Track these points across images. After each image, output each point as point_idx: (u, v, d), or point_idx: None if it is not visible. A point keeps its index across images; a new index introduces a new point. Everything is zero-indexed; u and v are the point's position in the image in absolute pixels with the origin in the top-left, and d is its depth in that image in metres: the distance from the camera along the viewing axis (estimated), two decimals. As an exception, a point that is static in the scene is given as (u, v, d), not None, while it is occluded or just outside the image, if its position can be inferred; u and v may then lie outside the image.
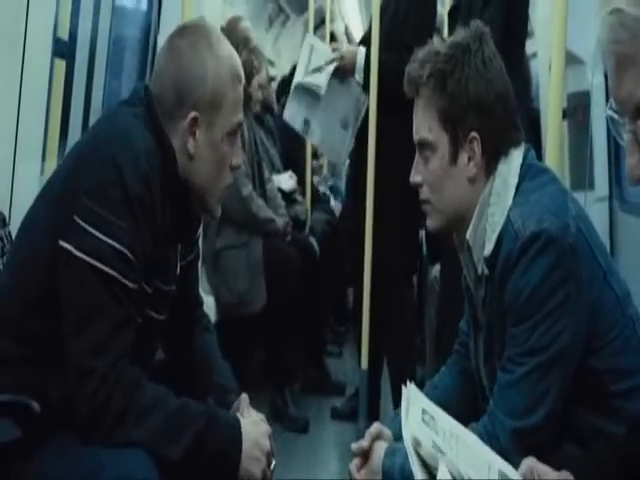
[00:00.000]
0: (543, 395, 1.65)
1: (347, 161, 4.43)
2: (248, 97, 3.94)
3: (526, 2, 3.35)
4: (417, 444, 1.25)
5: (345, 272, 4.42)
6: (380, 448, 1.81)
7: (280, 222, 4.05)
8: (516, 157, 1.78)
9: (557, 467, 1.32)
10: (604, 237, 3.25)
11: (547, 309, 1.63)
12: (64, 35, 2.84)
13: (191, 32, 1.81)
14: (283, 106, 4.25)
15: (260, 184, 4.12)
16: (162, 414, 1.62)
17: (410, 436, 1.27)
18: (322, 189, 5.81)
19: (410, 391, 1.40)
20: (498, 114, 1.77)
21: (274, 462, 1.82)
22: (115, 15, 3.56)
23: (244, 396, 1.89)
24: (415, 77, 1.80)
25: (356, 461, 1.84)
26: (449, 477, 1.18)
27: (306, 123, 4.01)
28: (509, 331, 1.69)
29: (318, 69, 3.89)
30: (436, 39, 1.85)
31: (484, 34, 1.81)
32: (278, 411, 3.87)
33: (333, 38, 5.82)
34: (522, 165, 1.77)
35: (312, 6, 5.44)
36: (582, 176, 3.47)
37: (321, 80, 3.86)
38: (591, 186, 3.54)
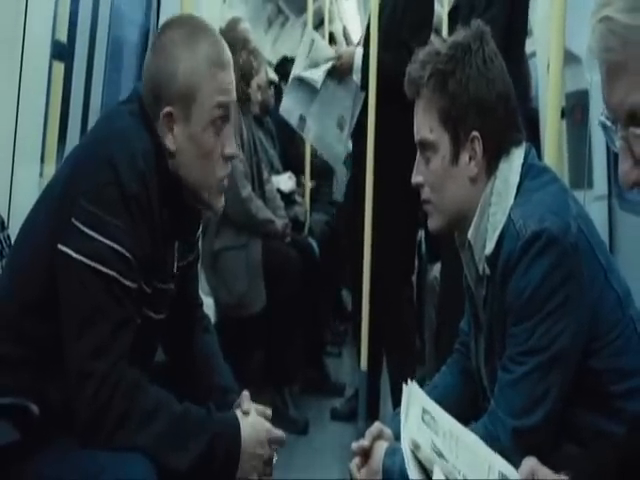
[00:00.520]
0: (543, 395, 1.65)
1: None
2: (247, 98, 3.94)
3: (527, 2, 3.36)
4: (416, 447, 1.25)
5: (344, 273, 4.42)
6: (381, 447, 1.80)
7: (279, 223, 4.04)
8: (517, 156, 1.78)
9: (557, 467, 1.32)
10: (603, 235, 3.24)
11: (548, 309, 1.63)
12: (62, 38, 2.84)
13: (171, 27, 1.79)
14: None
15: (259, 185, 4.12)
16: (165, 420, 1.61)
17: (409, 439, 1.27)
18: None
19: (411, 390, 1.39)
20: (499, 113, 1.77)
21: (276, 458, 1.81)
22: (113, 17, 3.56)
23: (245, 392, 1.89)
24: (416, 78, 1.79)
25: (356, 460, 1.83)
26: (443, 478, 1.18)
27: (302, 119, 4.01)
28: (510, 331, 1.69)
29: (316, 64, 3.90)
30: (436, 39, 1.86)
31: (485, 33, 1.81)
32: (278, 412, 3.86)
33: (332, 39, 5.84)
34: (523, 164, 1.77)
35: (311, 7, 5.44)
36: (581, 175, 3.48)
37: (318, 75, 3.87)
38: (590, 185, 3.54)
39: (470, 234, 1.78)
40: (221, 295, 3.86)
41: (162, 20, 3.77)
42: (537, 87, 4.32)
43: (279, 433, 1.84)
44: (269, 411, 1.88)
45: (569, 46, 2.60)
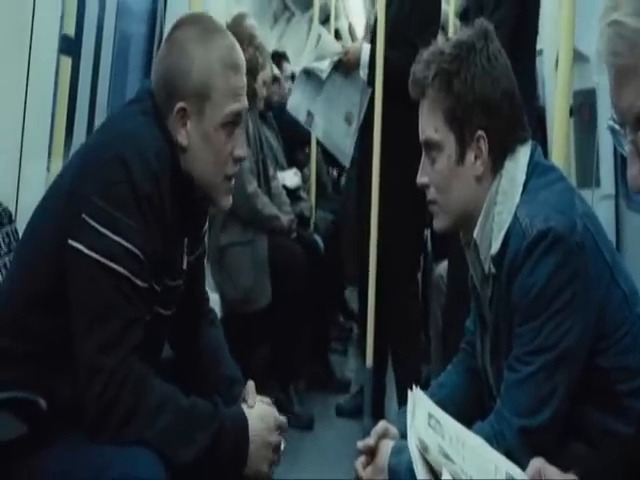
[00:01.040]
0: (550, 394, 1.65)
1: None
2: (253, 94, 3.94)
3: (539, 2, 3.35)
4: (424, 449, 1.25)
5: (348, 270, 4.42)
6: (386, 446, 1.80)
7: (285, 219, 4.04)
8: (523, 155, 1.78)
9: (565, 466, 1.32)
10: (610, 235, 3.24)
11: (554, 308, 1.63)
12: (70, 32, 2.84)
13: (186, 24, 1.80)
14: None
15: (265, 181, 4.12)
16: (171, 414, 1.62)
17: (416, 440, 1.27)
18: None
19: (416, 395, 1.40)
20: (504, 112, 1.77)
21: (283, 444, 1.82)
22: (121, 12, 3.55)
23: (250, 383, 1.89)
24: (420, 78, 1.79)
25: (362, 459, 1.84)
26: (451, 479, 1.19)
27: (309, 115, 4.02)
28: (516, 330, 1.69)
29: (322, 59, 3.91)
30: (440, 38, 1.85)
31: (488, 32, 1.80)
32: (283, 408, 3.86)
33: (337, 35, 5.84)
34: (529, 163, 1.77)
35: (317, 3, 5.44)
36: (588, 174, 3.47)
37: (324, 65, 3.87)
38: (597, 184, 3.54)
39: (476, 233, 1.77)
40: (227, 290, 3.86)
41: (169, 15, 3.78)
42: (544, 85, 4.31)
43: (283, 418, 1.85)
44: (269, 399, 1.88)
45: (577, 45, 2.59)
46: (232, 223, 3.88)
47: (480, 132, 1.75)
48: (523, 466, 1.29)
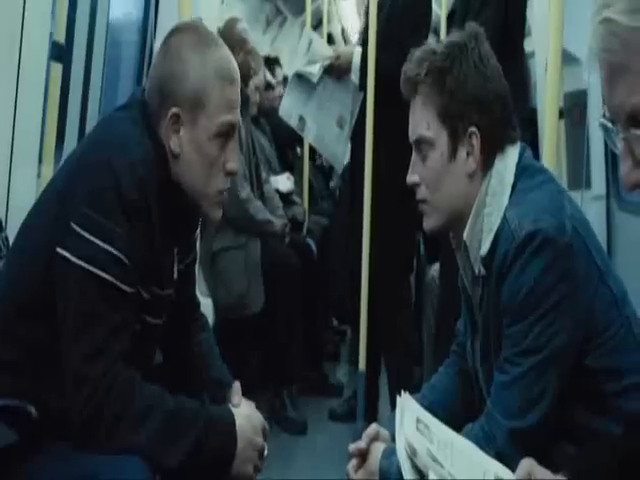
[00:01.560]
0: (539, 395, 1.65)
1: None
2: (245, 99, 3.94)
3: (524, 2, 3.36)
4: (413, 453, 1.25)
5: (342, 273, 4.42)
6: (377, 449, 1.81)
7: (278, 224, 4.04)
8: (512, 155, 1.78)
9: (554, 467, 1.32)
10: (601, 236, 3.25)
11: (543, 309, 1.63)
12: (60, 39, 2.84)
13: (183, 31, 1.80)
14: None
15: (258, 185, 4.12)
16: (158, 417, 1.61)
17: (405, 445, 1.28)
18: None
19: (404, 400, 1.41)
20: (496, 110, 1.77)
21: (266, 451, 1.81)
22: (111, 18, 3.56)
23: (236, 384, 1.89)
24: (412, 76, 1.80)
25: (354, 462, 1.84)
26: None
27: (301, 120, 4.02)
28: (505, 331, 1.69)
29: (314, 63, 3.91)
30: (431, 40, 1.86)
31: (479, 34, 1.82)
32: (276, 413, 3.87)
33: (330, 39, 5.84)
34: (518, 164, 1.77)
35: (309, 7, 5.44)
36: (579, 175, 3.48)
37: (314, 69, 3.88)
38: (588, 185, 3.54)
39: (465, 235, 1.78)
40: (220, 295, 3.86)
41: (160, 21, 3.79)
42: (535, 87, 4.32)
43: (265, 423, 1.84)
44: (252, 403, 1.87)
45: (567, 46, 2.60)
46: (225, 228, 3.87)
47: (473, 128, 1.76)
48: (513, 467, 1.29)
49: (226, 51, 1.80)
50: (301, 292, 4.00)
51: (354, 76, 3.83)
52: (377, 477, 1.77)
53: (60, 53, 2.85)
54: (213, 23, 3.96)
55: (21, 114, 2.46)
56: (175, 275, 1.86)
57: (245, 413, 1.78)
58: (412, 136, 1.83)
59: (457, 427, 1.56)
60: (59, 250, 1.61)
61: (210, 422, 1.68)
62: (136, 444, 1.58)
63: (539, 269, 1.63)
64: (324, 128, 4.04)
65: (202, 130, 1.74)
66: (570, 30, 2.49)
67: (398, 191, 2.66)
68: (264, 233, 3.97)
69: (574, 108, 3.88)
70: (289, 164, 5.24)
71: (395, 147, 3.01)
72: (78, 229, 1.60)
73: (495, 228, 1.72)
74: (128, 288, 1.63)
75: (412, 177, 1.84)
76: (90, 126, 3.11)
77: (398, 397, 1.41)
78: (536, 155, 1.90)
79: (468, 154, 1.77)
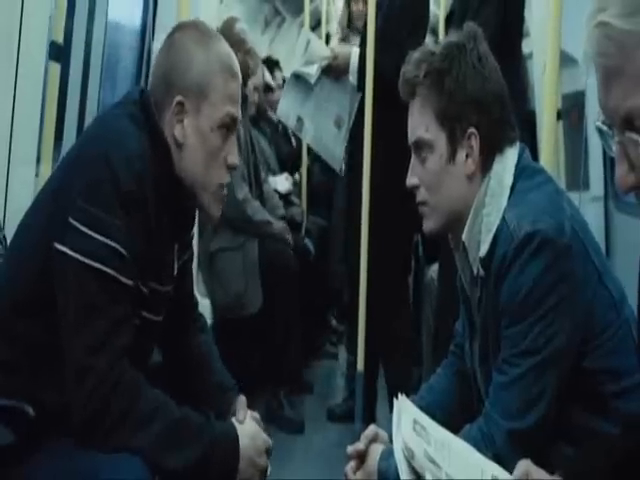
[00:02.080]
0: (538, 396, 1.65)
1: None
2: (244, 99, 3.94)
3: (522, 2, 3.36)
4: (411, 456, 1.26)
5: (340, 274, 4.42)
6: (376, 450, 1.81)
7: (277, 226, 4.04)
8: (511, 156, 1.78)
9: (552, 468, 1.33)
10: (599, 237, 3.25)
11: (542, 310, 1.63)
12: (59, 38, 2.84)
13: (186, 28, 1.84)
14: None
15: (257, 186, 4.12)
16: (163, 423, 1.61)
17: (402, 447, 1.28)
18: None
19: (401, 402, 1.41)
20: (495, 110, 1.77)
21: (270, 469, 1.81)
22: (110, 18, 3.55)
23: (241, 398, 1.89)
24: (411, 78, 1.79)
25: (352, 463, 1.84)
26: None
27: (299, 120, 4.01)
28: (504, 332, 1.69)
29: (311, 64, 3.91)
30: (430, 41, 1.86)
31: (477, 34, 1.81)
32: (273, 413, 3.86)
33: (329, 40, 5.84)
34: (517, 165, 1.77)
35: (308, 8, 5.44)
36: (577, 176, 3.48)
37: (312, 69, 3.88)
38: (586, 186, 3.55)
39: (464, 235, 1.78)
40: (218, 296, 3.85)
41: (159, 21, 3.79)
42: (533, 89, 4.33)
43: (270, 441, 1.84)
44: (257, 415, 1.87)
45: (566, 47, 2.60)
46: (223, 228, 3.87)
47: (471, 130, 1.76)
48: (511, 468, 1.29)
49: (228, 47, 1.83)
50: (299, 292, 4.00)
51: (352, 77, 3.83)
52: (376, 478, 1.77)
53: (58, 53, 2.85)
54: (212, 24, 3.95)
55: (19, 114, 2.47)
56: (175, 272, 1.86)
57: (250, 433, 1.78)
58: (411, 138, 1.82)
59: (455, 428, 1.56)
60: (57, 245, 1.61)
61: (214, 438, 1.68)
62: (137, 445, 1.58)
63: (538, 270, 1.63)
64: (322, 129, 4.03)
65: (206, 120, 1.76)
66: (568, 31, 2.50)
67: (396, 192, 2.66)
68: (263, 234, 3.97)
69: (572, 109, 3.89)
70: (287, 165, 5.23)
71: (393, 147, 3.01)
72: (76, 223, 1.60)
73: (494, 229, 1.72)
74: (127, 280, 1.63)
75: (411, 179, 1.84)
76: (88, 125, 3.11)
77: (395, 399, 1.41)
78: (534, 156, 1.89)
79: (467, 156, 1.77)
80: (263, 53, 5.83)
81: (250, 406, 1.89)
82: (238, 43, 3.91)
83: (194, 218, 1.97)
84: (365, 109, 3.55)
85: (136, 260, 1.64)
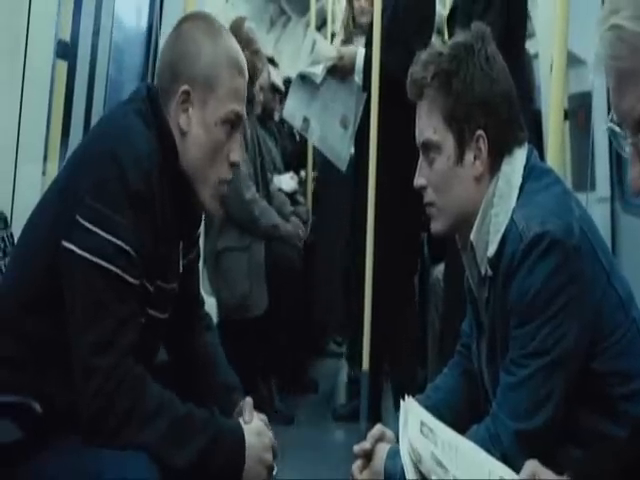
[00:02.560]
0: (546, 397, 1.64)
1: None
2: (251, 98, 3.94)
3: (525, 4, 3.36)
4: (418, 459, 1.26)
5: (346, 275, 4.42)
6: (382, 450, 1.80)
7: (286, 228, 4.04)
8: (520, 157, 1.78)
9: (560, 469, 1.32)
10: (606, 237, 3.24)
11: (550, 311, 1.63)
12: (66, 36, 2.84)
13: (194, 19, 1.84)
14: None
15: (264, 185, 4.12)
16: (168, 420, 1.61)
17: (409, 449, 1.28)
18: None
19: (408, 404, 1.41)
20: (503, 112, 1.77)
21: (276, 469, 1.81)
22: (116, 16, 3.56)
23: (248, 399, 1.88)
24: (419, 79, 1.79)
25: (358, 463, 1.83)
26: None
27: (305, 121, 4.02)
28: (512, 333, 1.69)
29: (317, 64, 3.91)
30: (437, 41, 1.85)
31: (485, 34, 1.81)
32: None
33: (334, 39, 5.83)
34: (525, 166, 1.77)
35: (314, 7, 5.45)
36: (584, 177, 3.47)
37: (318, 69, 3.88)
38: (592, 187, 3.54)
39: (472, 236, 1.77)
40: (223, 296, 3.86)
41: (165, 19, 3.79)
42: (540, 89, 4.32)
43: (274, 441, 1.83)
44: (264, 416, 1.87)
45: (572, 48, 2.60)
46: (229, 227, 3.87)
47: (479, 132, 1.75)
48: (518, 469, 1.29)
49: (236, 43, 1.83)
50: (304, 293, 4.00)
51: (357, 77, 3.83)
52: (382, 478, 1.76)
53: (65, 51, 2.85)
54: (219, 23, 3.96)
55: (26, 112, 2.47)
56: (180, 269, 1.86)
57: (256, 430, 1.77)
58: (419, 140, 1.82)
59: (461, 428, 1.56)
60: (65, 243, 1.61)
61: (220, 434, 1.68)
62: (143, 442, 1.58)
63: (547, 271, 1.63)
64: (328, 129, 4.04)
65: (211, 113, 1.75)
66: (575, 31, 2.49)
67: (402, 192, 2.66)
68: (270, 236, 3.96)
69: (579, 110, 3.88)
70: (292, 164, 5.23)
71: (399, 147, 3.01)
72: (83, 221, 1.60)
73: (502, 229, 1.71)
74: (133, 280, 1.63)
75: (419, 180, 1.83)
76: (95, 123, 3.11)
77: (402, 400, 1.41)
78: (541, 157, 1.89)
79: (475, 158, 1.76)
80: (268, 53, 5.83)
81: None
82: (247, 42, 3.90)
83: (200, 216, 1.97)
84: (371, 109, 3.55)
85: (142, 258, 1.64)
